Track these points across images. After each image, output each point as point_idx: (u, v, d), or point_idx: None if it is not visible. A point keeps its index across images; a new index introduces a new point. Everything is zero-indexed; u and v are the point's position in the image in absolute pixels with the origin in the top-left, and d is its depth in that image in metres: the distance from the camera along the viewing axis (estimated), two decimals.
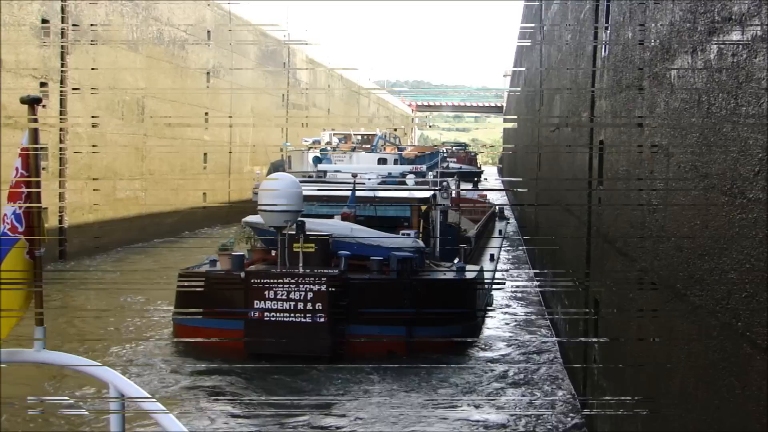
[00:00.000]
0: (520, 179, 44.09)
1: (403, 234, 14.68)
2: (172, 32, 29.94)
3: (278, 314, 12.95)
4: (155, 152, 28.18)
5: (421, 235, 15.22)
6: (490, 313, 15.92)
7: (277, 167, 28.41)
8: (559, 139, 19.33)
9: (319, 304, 12.88)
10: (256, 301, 13.02)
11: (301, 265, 13.41)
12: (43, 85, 21.65)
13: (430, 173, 20.96)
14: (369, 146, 30.42)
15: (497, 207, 27.86)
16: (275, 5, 42.29)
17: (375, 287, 13.60)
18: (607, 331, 12.18)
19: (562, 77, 18.74)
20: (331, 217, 15.29)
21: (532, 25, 34.17)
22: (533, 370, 12.23)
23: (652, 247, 7.49)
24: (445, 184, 17.83)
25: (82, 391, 9.48)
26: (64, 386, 9.45)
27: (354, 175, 18.08)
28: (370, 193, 16.38)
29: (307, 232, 13.69)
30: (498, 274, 18.23)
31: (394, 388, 11.38)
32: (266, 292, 13.01)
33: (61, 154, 22.40)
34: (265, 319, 12.98)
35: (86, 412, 4.04)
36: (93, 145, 23.26)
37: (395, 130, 38.85)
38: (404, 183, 19.28)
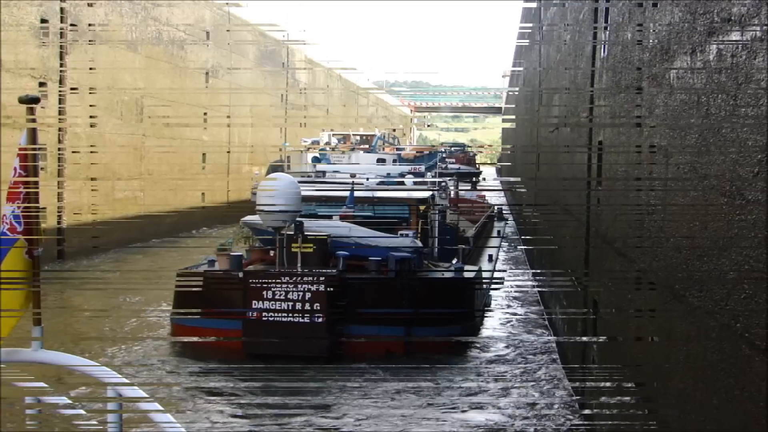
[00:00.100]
0: (518, 179, 44.10)
1: (401, 234, 14.68)
2: (171, 32, 29.92)
3: (276, 314, 12.95)
4: (154, 152, 28.16)
5: (419, 235, 15.22)
6: (488, 314, 15.92)
7: (275, 168, 28.41)
8: (558, 139, 19.33)
9: (317, 304, 12.89)
10: (254, 301, 13.03)
11: (299, 265, 13.42)
12: (42, 84, 21.64)
13: (429, 173, 20.96)
14: (368, 146, 30.42)
15: (495, 207, 27.85)
16: (274, 5, 42.35)
17: (373, 287, 13.60)
18: (605, 332, 12.18)
19: (561, 77, 18.74)
20: (329, 217, 15.29)
21: (531, 25, 34.18)
22: (532, 371, 12.23)
23: (650, 247, 7.49)
24: (443, 184, 17.83)
25: (80, 391, 9.47)
26: (62, 386, 9.44)
27: (352, 176, 18.08)
28: (369, 194, 16.38)
29: (306, 233, 13.69)
30: (496, 275, 18.23)
31: (392, 388, 11.38)
32: (264, 292, 13.02)
33: (59, 154, 22.37)
34: (263, 319, 12.99)
35: (84, 412, 4.01)
36: (91, 145, 23.23)
37: (394, 130, 38.88)
38: (403, 183, 19.29)
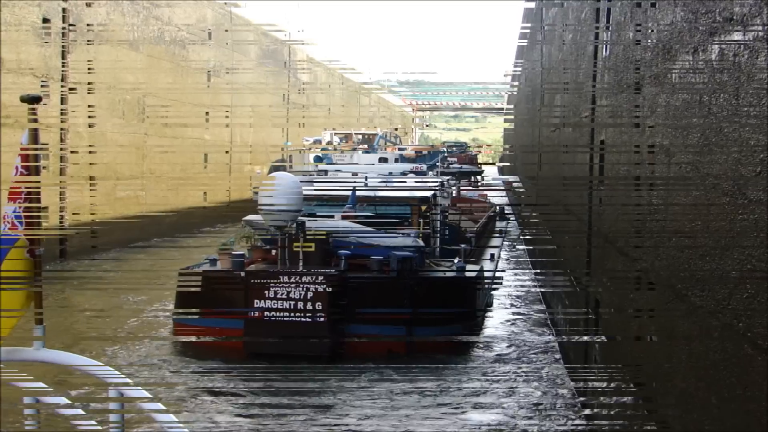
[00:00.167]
0: (517, 178, 44.07)
1: (403, 234, 14.70)
2: (173, 32, 29.93)
3: (278, 313, 12.99)
4: (156, 152, 28.16)
5: (421, 235, 15.22)
6: (490, 313, 15.91)
7: (277, 167, 28.41)
8: (559, 139, 19.32)
9: (319, 303, 12.91)
10: (255, 301, 13.06)
11: (301, 264, 13.43)
12: (44, 85, 21.64)
13: (430, 173, 20.96)
14: (370, 146, 30.42)
15: (497, 207, 27.82)
16: (276, 5, 42.27)
17: (375, 286, 13.62)
18: (607, 331, 12.18)
19: (563, 77, 18.73)
20: (331, 217, 15.30)
21: (530, 25, 34.17)
22: (534, 370, 12.23)
23: (652, 247, 7.48)
24: (444, 183, 17.81)
25: (82, 391, 9.48)
26: (64, 385, 9.44)
27: (354, 174, 18.08)
28: (370, 193, 16.39)
29: (307, 232, 13.72)
30: (498, 274, 18.22)
31: (394, 388, 11.37)
32: (266, 292, 13.04)
33: (62, 153, 22.37)
34: (265, 318, 13.03)
35: (83, 412, 4.00)
36: (90, 145, 23.22)
37: (396, 129, 38.84)
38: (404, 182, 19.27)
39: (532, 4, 34.11)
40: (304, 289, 12.95)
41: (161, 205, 27.82)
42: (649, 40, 7.89)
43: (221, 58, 34.59)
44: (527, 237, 27.07)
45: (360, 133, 37.51)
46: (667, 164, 6.93)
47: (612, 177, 10.86)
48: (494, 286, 17.31)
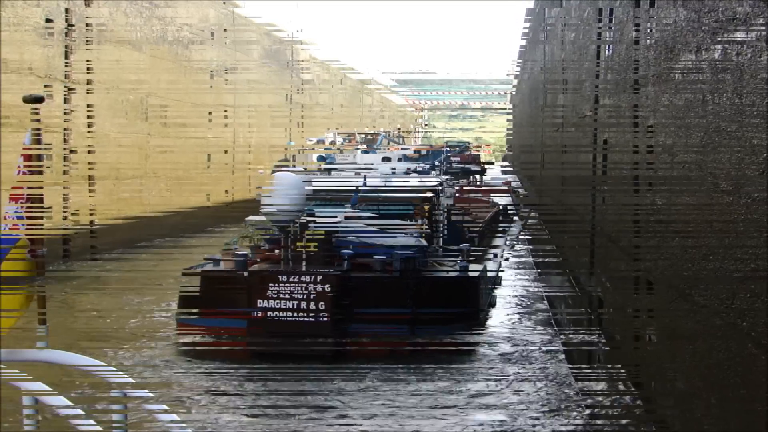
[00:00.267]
0: (515, 176, 44.05)
1: (405, 234, 14.71)
2: (175, 31, 29.94)
3: (281, 313, 13.03)
4: (158, 151, 28.15)
5: (424, 235, 15.22)
6: (493, 313, 15.89)
7: (281, 167, 28.37)
8: (563, 138, 19.31)
9: (322, 303, 12.95)
10: (258, 300, 13.10)
11: (304, 263, 13.46)
12: (47, 85, 21.64)
13: (433, 172, 20.92)
14: (373, 145, 30.38)
15: (500, 207, 27.79)
16: (276, 5, 42.22)
17: (377, 286, 13.65)
18: (610, 331, 12.17)
19: (566, 76, 18.72)
20: (333, 217, 15.30)
21: (529, 25, 34.18)
22: (536, 370, 12.22)
23: (656, 246, 7.48)
24: (443, 182, 17.78)
25: (85, 391, 9.48)
26: (67, 386, 9.45)
27: (357, 173, 18.08)
28: (370, 192, 16.37)
29: (310, 231, 13.75)
30: (499, 274, 18.22)
31: (397, 388, 11.37)
32: (269, 291, 13.08)
33: (65, 154, 22.38)
34: (268, 317, 13.06)
35: (83, 412, 4.00)
36: (89, 145, 23.22)
37: (399, 129, 38.83)
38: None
39: (532, 4, 34.10)
40: (307, 288, 12.98)
41: (164, 205, 27.83)
42: (652, 40, 7.88)
43: (224, 58, 34.60)
44: (529, 237, 27.08)
45: (363, 133, 37.50)
46: (670, 163, 6.93)
47: (615, 176, 10.85)
48: (496, 286, 17.33)
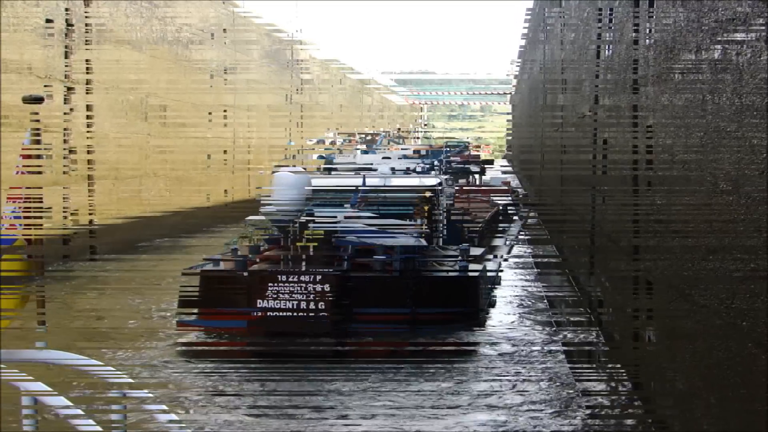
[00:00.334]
0: (512, 177, 44.02)
1: (405, 234, 14.73)
2: (175, 31, 29.93)
3: (281, 313, 13.10)
4: (157, 151, 28.12)
5: (423, 235, 15.23)
6: (493, 314, 15.88)
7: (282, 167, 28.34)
8: (563, 137, 19.30)
9: (321, 303, 13.01)
10: (258, 300, 13.15)
11: (304, 263, 13.50)
12: (47, 85, 21.64)
13: (433, 171, 20.90)
14: (372, 145, 30.35)
15: (500, 207, 27.74)
16: (276, 4, 42.16)
17: (377, 285, 13.73)
18: (610, 331, 12.17)
19: (566, 76, 18.72)
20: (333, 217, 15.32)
21: (534, 24, 34.18)
22: (538, 370, 12.20)
23: (656, 246, 7.47)
24: (442, 182, 17.77)
25: (85, 391, 9.47)
26: (67, 386, 9.44)
27: (356, 173, 18.07)
28: (369, 193, 16.40)
29: (310, 231, 13.80)
30: (500, 274, 18.24)
31: (398, 388, 11.36)
32: (268, 291, 13.14)
33: (64, 153, 22.37)
34: (268, 317, 13.13)
35: (83, 412, 3.99)
36: (88, 145, 23.21)
37: (399, 129, 38.75)
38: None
39: (531, 4, 34.08)
40: (307, 288, 13.05)
41: (163, 205, 27.82)
42: (651, 40, 7.88)
43: (224, 58, 34.57)
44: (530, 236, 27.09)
45: (363, 133, 37.48)
46: (671, 164, 6.93)
47: (615, 176, 10.86)
48: (495, 286, 17.37)
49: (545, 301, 17.24)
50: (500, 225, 25.53)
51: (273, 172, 15.10)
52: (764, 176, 4.49)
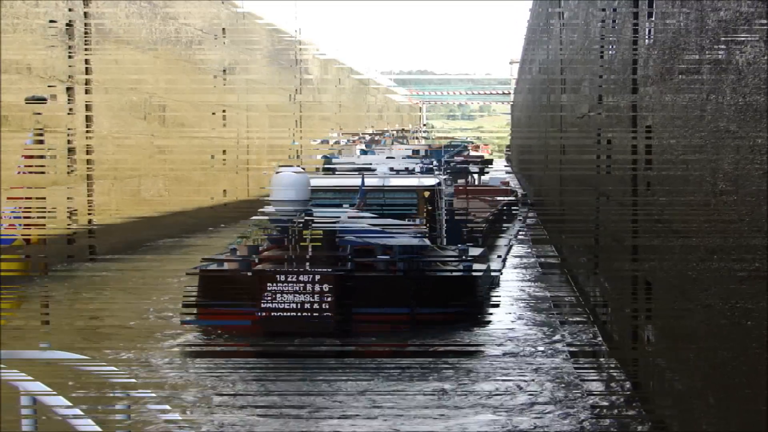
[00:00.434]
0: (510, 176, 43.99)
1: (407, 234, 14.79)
2: (179, 31, 29.94)
3: (284, 313, 13.19)
4: (157, 151, 28.12)
5: (426, 235, 15.27)
6: (494, 315, 15.88)
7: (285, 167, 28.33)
8: (567, 137, 19.30)
9: (325, 303, 13.11)
10: (262, 300, 13.22)
11: (307, 264, 13.56)
12: (50, 86, 21.65)
13: (436, 171, 20.90)
14: (373, 145, 30.33)
15: (502, 207, 27.71)
16: (276, 4, 42.12)
17: (379, 284, 13.86)
18: (613, 332, 12.17)
19: (569, 78, 18.72)
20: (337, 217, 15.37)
21: (534, 24, 34.17)
22: (541, 371, 12.19)
23: (660, 245, 7.47)
24: (441, 182, 17.80)
25: (88, 391, 9.47)
26: (67, 386, 9.43)
27: (360, 172, 18.10)
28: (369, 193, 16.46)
29: (311, 231, 13.86)
30: (496, 273, 18.28)
31: (398, 389, 11.36)
32: (272, 290, 13.24)
33: (68, 156, 22.38)
34: (272, 317, 13.24)
35: (80, 411, 3.99)
36: (88, 146, 23.22)
37: (403, 129, 38.73)
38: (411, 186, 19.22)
39: (531, 4, 34.06)
40: (310, 287, 13.18)
41: (167, 205, 27.85)
42: (652, 40, 7.87)
43: (234, 58, 34.60)
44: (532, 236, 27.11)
45: (366, 134, 37.47)
46: (673, 164, 6.92)
47: (619, 176, 10.85)
48: (496, 286, 17.49)
49: (550, 302, 17.24)
50: (502, 225, 25.54)
51: (277, 173, 15.14)
52: (765, 176, 4.49)
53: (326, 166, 20.31)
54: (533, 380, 11.55)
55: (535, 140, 34.76)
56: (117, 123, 25.25)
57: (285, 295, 13.24)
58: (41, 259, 4.13)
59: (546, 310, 16.30)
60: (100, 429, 3.94)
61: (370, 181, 16.58)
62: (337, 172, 18.80)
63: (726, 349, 5.11)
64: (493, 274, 17.18)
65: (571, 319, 15.17)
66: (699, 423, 5.77)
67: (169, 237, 27.32)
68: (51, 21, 22.02)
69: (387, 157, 21.84)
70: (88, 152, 23.22)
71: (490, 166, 34.89)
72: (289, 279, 13.23)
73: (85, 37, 23.33)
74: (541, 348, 13.31)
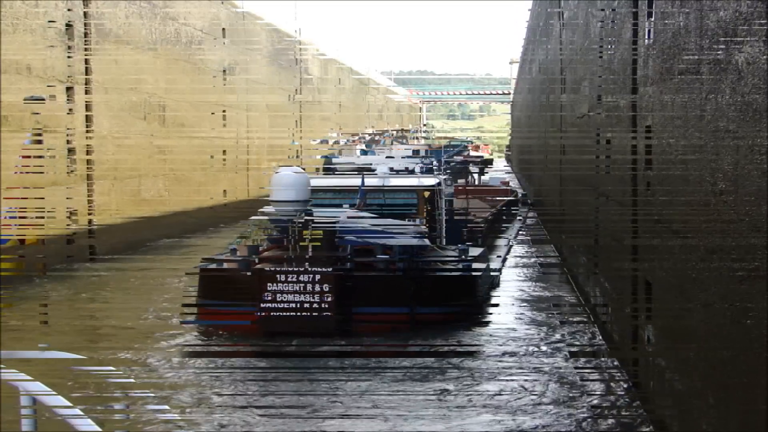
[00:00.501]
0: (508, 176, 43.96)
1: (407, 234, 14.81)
2: (179, 32, 29.95)
3: (283, 312, 13.22)
4: (158, 152, 28.14)
5: (426, 235, 15.29)
6: (494, 315, 15.88)
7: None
8: (566, 136, 19.29)
9: (325, 303, 13.13)
10: (262, 299, 13.26)
11: (308, 258, 13.59)
12: (50, 86, 21.65)
13: (435, 171, 20.92)
14: (373, 145, 30.35)
15: (503, 207, 27.73)
16: (275, 4, 42.11)
17: (379, 284, 13.89)
18: (613, 332, 12.16)
19: (569, 78, 18.71)
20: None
21: (533, 24, 34.17)
22: (541, 370, 12.19)
23: (660, 245, 7.46)
24: (441, 182, 17.82)
25: (87, 391, 9.47)
26: (67, 386, 9.43)
27: (360, 171, 18.12)
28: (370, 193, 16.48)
29: (310, 232, 13.88)
30: (495, 273, 18.31)
31: (399, 389, 11.36)
32: (271, 290, 13.26)
33: (69, 156, 22.38)
34: (272, 316, 13.26)
35: (80, 412, 3.99)
36: (87, 146, 23.21)
37: (404, 130, 38.74)
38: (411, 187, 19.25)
39: (531, 4, 34.03)
40: (310, 286, 13.21)
41: (165, 206, 27.84)
42: (652, 40, 7.87)
43: (227, 58, 34.59)
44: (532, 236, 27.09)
45: (366, 134, 37.48)
46: (673, 164, 6.92)
47: (619, 176, 10.84)
48: (496, 285, 17.51)
49: (550, 302, 17.24)
50: (502, 225, 25.55)
51: (276, 173, 15.15)
52: (764, 176, 4.49)
53: (326, 166, 20.31)
54: (533, 380, 11.55)
55: (535, 140, 34.76)
56: (117, 123, 25.23)
57: (285, 295, 13.27)
58: (39, 259, 4.12)
59: (546, 309, 16.30)
60: (99, 429, 3.93)
61: (370, 181, 16.57)
62: (337, 172, 18.82)
63: (726, 349, 5.11)
64: (492, 273, 17.21)
65: (571, 319, 15.17)
66: (699, 423, 5.77)
67: (169, 237, 27.30)
68: (50, 21, 22.01)
69: (387, 157, 21.83)
70: (87, 152, 23.19)
71: (490, 166, 34.90)
72: (289, 279, 13.26)
73: (85, 37, 23.30)
74: (540, 348, 13.31)
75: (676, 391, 6.46)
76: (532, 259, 23.45)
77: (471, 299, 14.74)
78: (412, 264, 14.24)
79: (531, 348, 13.34)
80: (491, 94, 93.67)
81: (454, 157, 27.56)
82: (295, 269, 13.36)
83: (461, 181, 27.44)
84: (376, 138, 29.46)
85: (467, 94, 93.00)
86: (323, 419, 10.11)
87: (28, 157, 4.62)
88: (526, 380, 11.54)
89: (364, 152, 24.89)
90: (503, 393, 11.01)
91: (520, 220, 28.83)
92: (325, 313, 13.21)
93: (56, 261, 19.87)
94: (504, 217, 26.83)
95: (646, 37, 8.12)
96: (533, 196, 35.68)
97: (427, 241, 14.91)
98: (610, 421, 9.74)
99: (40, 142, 4.76)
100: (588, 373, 11.73)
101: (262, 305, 13.29)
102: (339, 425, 9.94)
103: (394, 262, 14.21)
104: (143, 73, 27.03)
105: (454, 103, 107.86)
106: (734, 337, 4.95)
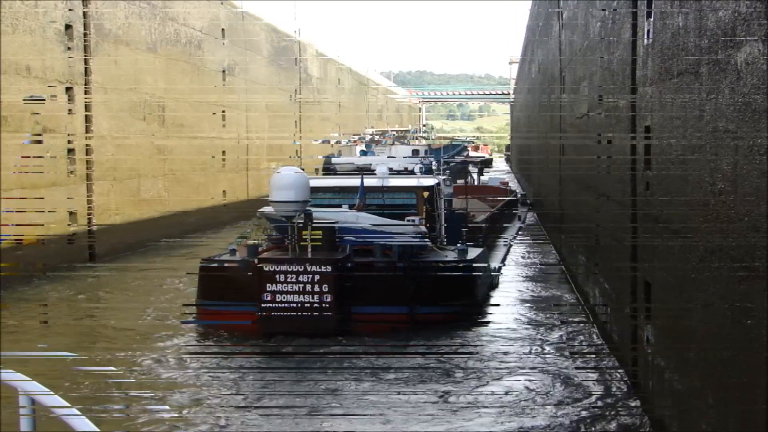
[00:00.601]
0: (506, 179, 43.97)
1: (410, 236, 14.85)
2: (180, 32, 29.94)
3: (284, 312, 13.22)
4: (158, 153, 28.14)
5: (427, 235, 15.30)
6: (494, 315, 15.90)
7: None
8: (567, 137, 19.29)
9: (326, 303, 13.17)
10: (261, 298, 13.28)
11: (309, 254, 13.62)
12: (50, 86, 21.64)
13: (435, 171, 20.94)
14: (373, 145, 30.37)
15: (503, 206, 27.74)
16: (275, 4, 42.05)
17: (378, 283, 13.95)
18: (612, 332, 12.16)
19: (569, 78, 18.72)
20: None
21: (533, 24, 34.18)
22: (541, 370, 12.20)
23: (659, 245, 7.46)
24: (440, 182, 17.84)
25: (87, 391, 9.47)
26: (69, 386, 9.42)
27: (360, 171, 18.14)
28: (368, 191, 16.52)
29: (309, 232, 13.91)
30: (495, 273, 18.34)
31: (399, 389, 11.36)
32: (271, 290, 13.27)
33: (69, 156, 22.37)
34: (273, 316, 13.27)
35: (78, 412, 3.99)
36: (87, 146, 23.20)
37: (405, 130, 38.74)
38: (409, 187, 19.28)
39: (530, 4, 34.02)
40: (311, 287, 13.21)
41: (164, 206, 27.84)
42: (651, 41, 7.87)
43: (227, 58, 34.59)
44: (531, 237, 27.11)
45: (368, 134, 37.49)
46: (672, 164, 6.92)
47: (619, 177, 10.84)
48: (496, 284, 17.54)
49: (548, 301, 17.25)
50: (502, 225, 25.56)
51: (276, 173, 15.16)
52: (764, 176, 4.49)
53: (326, 166, 20.32)
54: (533, 380, 11.55)
55: (534, 140, 34.76)
56: (116, 123, 25.22)
57: (285, 295, 13.28)
58: (38, 259, 4.12)
59: (545, 309, 16.31)
60: (98, 429, 3.93)
61: (370, 182, 16.58)
62: (336, 173, 18.84)
63: (725, 349, 5.11)
64: (492, 273, 17.23)
65: (570, 319, 15.18)
66: (698, 423, 5.77)
67: (169, 237, 27.29)
68: (50, 22, 22.01)
69: (388, 157, 21.84)
70: (87, 153, 23.19)
71: (489, 166, 34.90)
72: (289, 279, 13.27)
73: (85, 37, 23.29)
74: (540, 348, 13.32)
75: (676, 391, 6.46)
76: (531, 259, 23.47)
77: (471, 299, 14.79)
78: (412, 264, 14.27)
79: (529, 348, 13.34)
80: (491, 94, 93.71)
81: (454, 158, 27.57)
82: (295, 269, 13.37)
83: (461, 180, 27.45)
84: (377, 138, 29.46)
85: (467, 94, 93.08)
86: (322, 419, 10.11)
87: (27, 157, 4.61)
88: (526, 380, 11.54)
89: (363, 153, 24.88)
90: (501, 393, 11.01)
91: (519, 220, 28.87)
92: (325, 313, 13.23)
93: (56, 261, 19.88)
94: (503, 217, 26.84)
95: (646, 37, 8.12)
96: (533, 197, 35.69)
97: (426, 241, 14.93)
98: (610, 421, 9.74)
99: (39, 142, 4.76)
100: (588, 373, 11.74)
101: (261, 305, 13.31)
102: (339, 425, 9.95)
103: (394, 262, 14.24)
104: (143, 73, 27.04)
105: (454, 104, 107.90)
106: (734, 337, 4.96)
